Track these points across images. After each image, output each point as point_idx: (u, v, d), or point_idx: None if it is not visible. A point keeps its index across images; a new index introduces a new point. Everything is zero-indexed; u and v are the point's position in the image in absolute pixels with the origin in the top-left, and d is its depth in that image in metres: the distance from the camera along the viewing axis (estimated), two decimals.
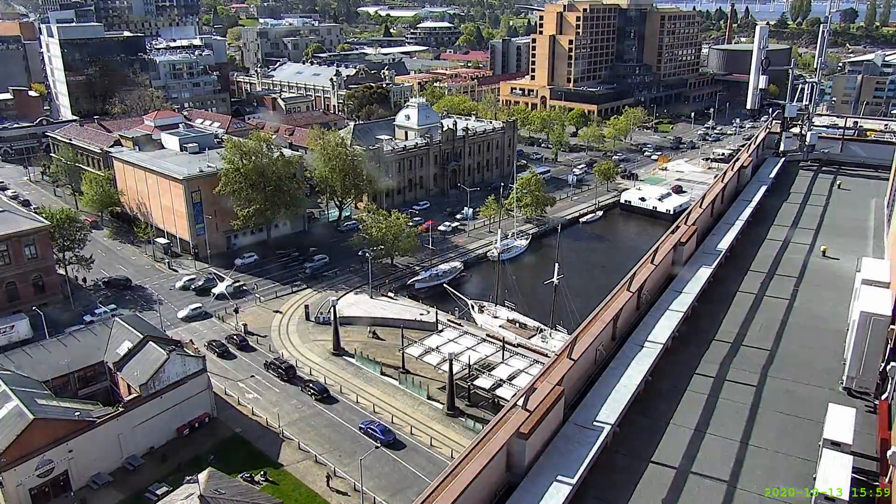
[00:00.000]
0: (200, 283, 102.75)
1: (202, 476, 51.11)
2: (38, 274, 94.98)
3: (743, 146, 54.16)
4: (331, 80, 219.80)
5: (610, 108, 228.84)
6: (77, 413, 62.17)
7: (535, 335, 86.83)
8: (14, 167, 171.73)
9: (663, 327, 24.54)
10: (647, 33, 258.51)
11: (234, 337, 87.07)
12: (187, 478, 53.19)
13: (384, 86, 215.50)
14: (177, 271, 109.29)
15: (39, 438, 57.69)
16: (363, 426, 69.05)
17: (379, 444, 65.29)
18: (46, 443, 58.09)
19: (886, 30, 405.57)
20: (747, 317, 26.81)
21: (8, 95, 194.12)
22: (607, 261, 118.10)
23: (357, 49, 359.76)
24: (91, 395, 69.28)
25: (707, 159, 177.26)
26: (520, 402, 18.25)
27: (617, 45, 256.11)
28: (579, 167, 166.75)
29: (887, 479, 17.21)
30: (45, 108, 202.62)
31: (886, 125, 57.66)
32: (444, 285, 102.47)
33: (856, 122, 53.61)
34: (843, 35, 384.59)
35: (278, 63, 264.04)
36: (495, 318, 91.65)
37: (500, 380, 73.17)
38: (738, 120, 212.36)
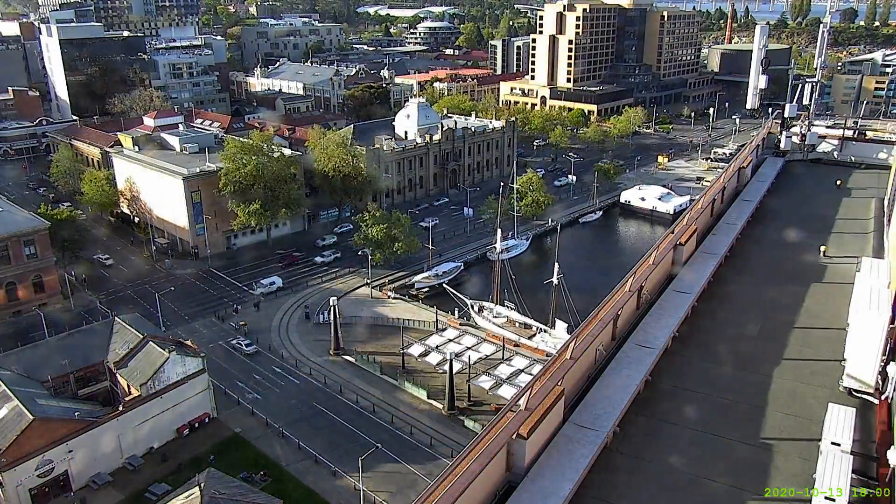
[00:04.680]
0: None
1: (202, 476, 51.10)
2: (38, 274, 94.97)
3: (743, 146, 54.13)
4: (331, 80, 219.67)
5: (610, 108, 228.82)
6: (77, 413, 62.16)
7: (535, 335, 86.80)
8: (13, 167, 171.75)
9: (663, 327, 24.54)
10: (647, 33, 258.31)
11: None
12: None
13: (384, 86, 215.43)
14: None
15: (39, 438, 57.66)
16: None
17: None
18: (46, 443, 58.04)
19: (886, 30, 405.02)
20: (747, 317, 26.80)
21: (8, 95, 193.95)
22: (607, 260, 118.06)
23: (357, 49, 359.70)
24: (91, 395, 69.23)
25: (707, 159, 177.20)
26: (520, 402, 18.25)
27: (617, 45, 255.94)
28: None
29: (887, 479, 17.20)
30: (44, 107, 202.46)
31: (886, 124, 57.65)
32: (444, 285, 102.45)
33: (856, 122, 53.59)
34: (843, 33, 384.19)
35: (278, 63, 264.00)
36: (495, 317, 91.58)
37: (500, 380, 73.16)
38: (738, 118, 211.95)
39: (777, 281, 29.92)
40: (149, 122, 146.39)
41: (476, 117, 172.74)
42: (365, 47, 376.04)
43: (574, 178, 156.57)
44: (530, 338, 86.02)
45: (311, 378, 78.99)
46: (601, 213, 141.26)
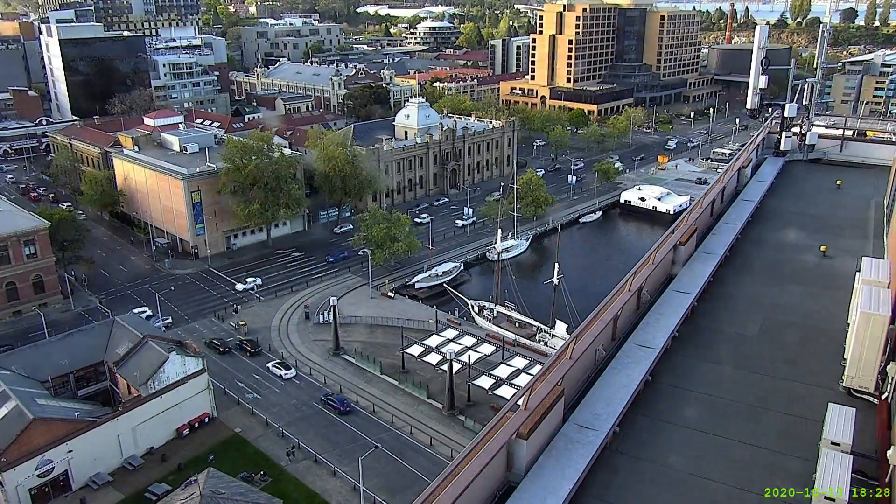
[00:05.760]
0: None
1: (202, 476, 51.11)
2: (38, 274, 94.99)
3: (743, 146, 54.12)
4: (331, 80, 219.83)
5: (610, 108, 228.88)
6: (77, 413, 62.16)
7: (534, 334, 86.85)
8: (13, 167, 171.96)
9: (663, 327, 24.51)
10: (646, 33, 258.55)
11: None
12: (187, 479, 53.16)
13: (384, 86, 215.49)
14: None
15: (39, 438, 57.66)
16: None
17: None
18: (46, 443, 58.04)
19: (886, 30, 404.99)
20: (747, 317, 26.78)
21: (8, 95, 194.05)
22: (607, 260, 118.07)
23: (357, 49, 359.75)
24: (91, 395, 69.27)
25: (707, 159, 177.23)
26: (520, 402, 18.24)
27: (617, 45, 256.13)
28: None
29: (887, 479, 17.21)
30: (44, 107, 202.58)
31: (886, 124, 57.61)
32: (444, 285, 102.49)
33: (855, 122, 53.55)
34: (843, 33, 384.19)
35: (278, 63, 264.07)
36: (495, 317, 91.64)
37: (500, 380, 73.14)
38: (738, 119, 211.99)
39: (777, 281, 29.89)
40: (149, 122, 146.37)
41: (476, 117, 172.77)
42: (365, 47, 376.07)
43: (574, 178, 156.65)
44: (530, 338, 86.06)
45: (311, 378, 79.01)
46: (601, 213, 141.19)
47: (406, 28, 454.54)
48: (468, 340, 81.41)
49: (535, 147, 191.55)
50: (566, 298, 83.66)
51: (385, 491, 60.41)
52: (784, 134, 47.94)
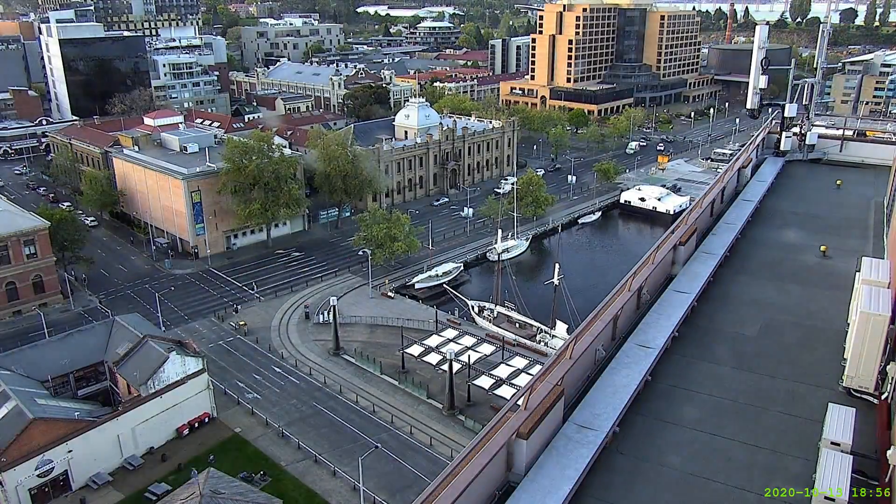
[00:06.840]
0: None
1: (202, 476, 51.12)
2: (38, 274, 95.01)
3: (743, 146, 54.13)
4: (331, 80, 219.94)
5: (610, 108, 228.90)
6: (77, 413, 62.18)
7: (534, 335, 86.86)
8: (13, 166, 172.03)
9: (663, 327, 24.49)
10: (646, 33, 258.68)
11: None
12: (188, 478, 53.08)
13: (384, 86, 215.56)
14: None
15: (39, 438, 57.67)
16: None
17: None
18: (46, 443, 58.04)
19: (886, 30, 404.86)
20: (747, 317, 26.76)
21: (8, 95, 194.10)
22: (607, 261, 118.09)
23: (357, 49, 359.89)
24: (91, 395, 69.28)
25: (707, 159, 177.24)
26: (519, 402, 18.23)
27: (617, 45, 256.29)
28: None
29: (887, 479, 17.21)
30: (44, 107, 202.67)
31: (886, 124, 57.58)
32: (444, 285, 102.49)
33: (855, 122, 53.50)
34: (843, 33, 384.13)
35: (278, 63, 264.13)
36: (495, 317, 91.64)
37: (500, 379, 73.15)
38: (738, 119, 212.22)
39: (777, 281, 29.87)
40: (149, 122, 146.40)
41: (476, 117, 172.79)
42: (365, 47, 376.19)
43: (574, 178, 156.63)
44: (530, 338, 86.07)
45: (311, 378, 79.03)
46: (600, 213, 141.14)
47: (406, 28, 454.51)
48: (468, 340, 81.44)
49: (535, 147, 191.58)
50: (566, 298, 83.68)
51: (385, 491, 60.42)
52: (784, 134, 47.86)
